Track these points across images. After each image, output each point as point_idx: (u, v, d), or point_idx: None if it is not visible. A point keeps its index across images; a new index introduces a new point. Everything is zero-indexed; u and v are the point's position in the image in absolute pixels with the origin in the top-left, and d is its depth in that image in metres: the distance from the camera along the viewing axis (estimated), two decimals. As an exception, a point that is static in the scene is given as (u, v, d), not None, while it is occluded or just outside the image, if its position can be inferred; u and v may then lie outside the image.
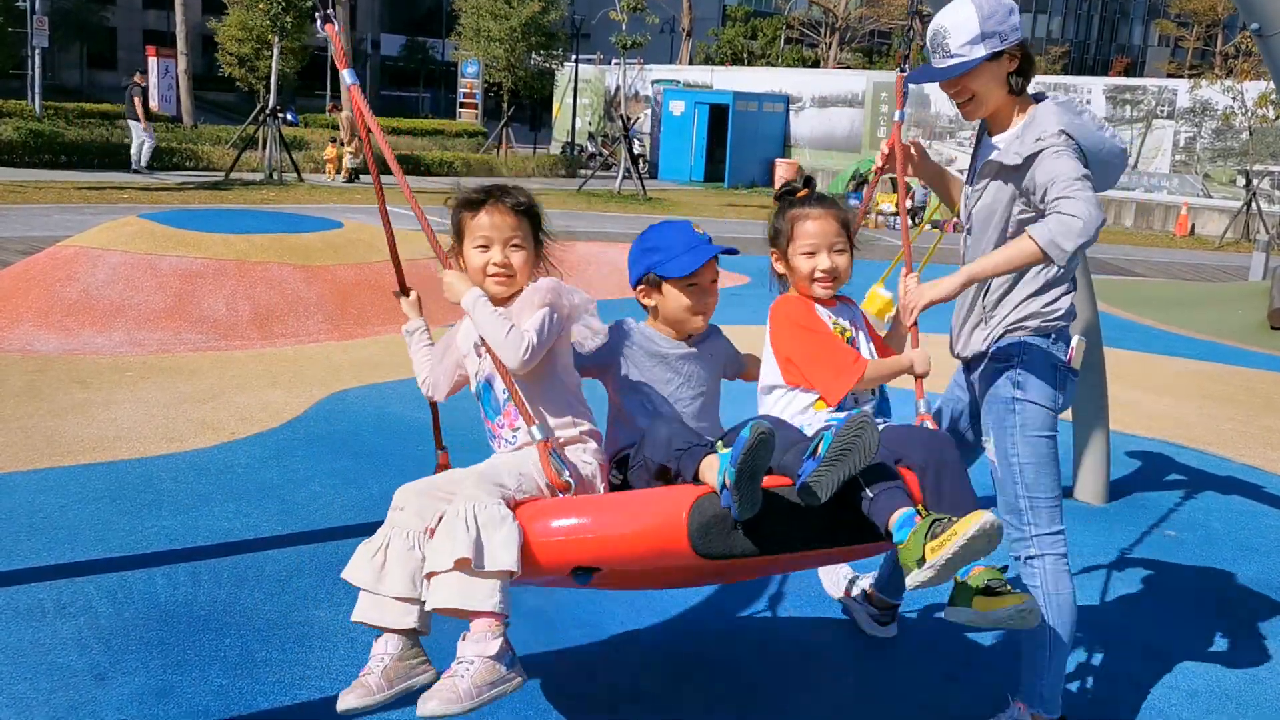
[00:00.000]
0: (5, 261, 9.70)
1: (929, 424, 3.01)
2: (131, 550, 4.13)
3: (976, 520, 2.38)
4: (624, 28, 25.69)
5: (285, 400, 6.21)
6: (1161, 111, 24.05)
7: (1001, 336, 3.05)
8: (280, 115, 21.25)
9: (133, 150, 20.80)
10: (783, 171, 29.69)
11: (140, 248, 8.29)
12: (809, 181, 3.07)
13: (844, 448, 2.40)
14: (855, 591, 3.80)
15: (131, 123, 20.90)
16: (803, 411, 2.92)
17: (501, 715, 3.12)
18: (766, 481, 2.41)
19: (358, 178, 21.82)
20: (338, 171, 22.18)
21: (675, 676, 3.48)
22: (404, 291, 3.02)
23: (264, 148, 20.91)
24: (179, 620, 3.59)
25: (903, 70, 3.35)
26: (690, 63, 42.47)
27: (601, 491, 2.72)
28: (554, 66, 31.58)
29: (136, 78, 22.10)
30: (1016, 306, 3.03)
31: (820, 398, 2.90)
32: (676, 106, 30.07)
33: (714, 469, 2.46)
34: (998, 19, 2.91)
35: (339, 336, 7.92)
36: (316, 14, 2.90)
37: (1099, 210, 2.70)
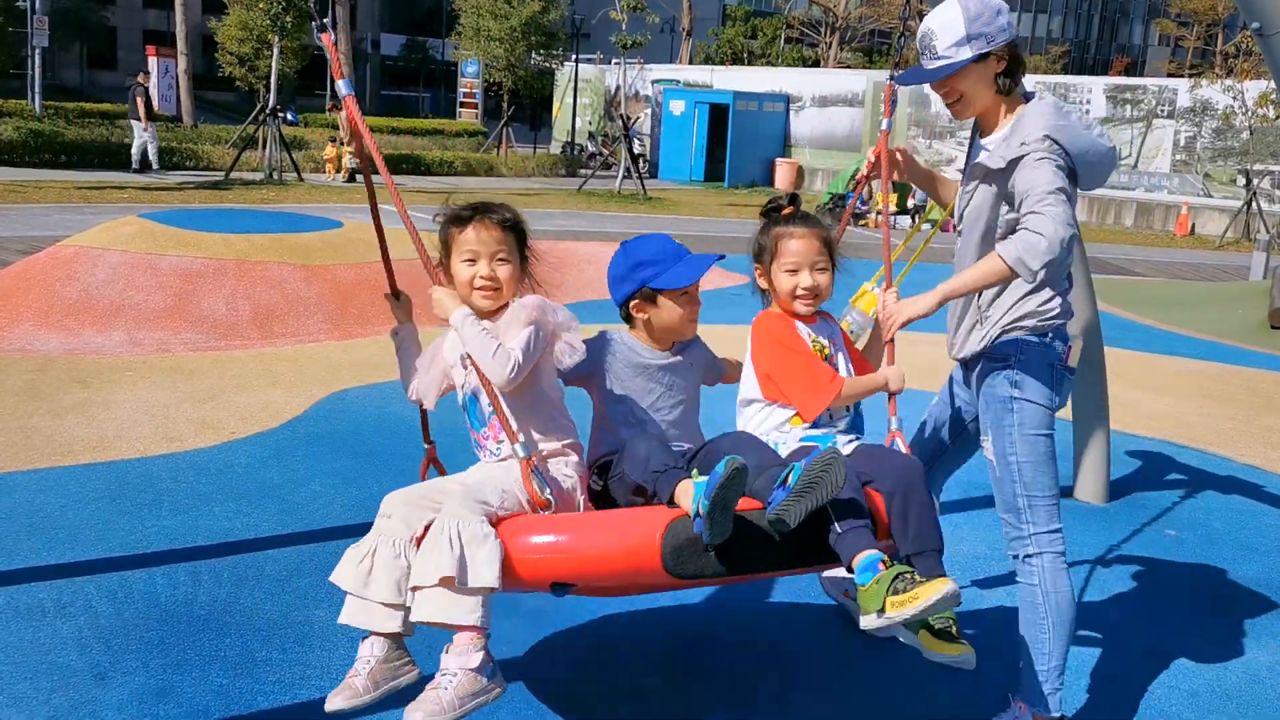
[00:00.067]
0: (5, 261, 9.70)
1: (900, 442, 3.05)
2: (131, 550, 4.13)
3: (940, 589, 2.48)
4: (624, 27, 25.70)
5: (285, 400, 6.21)
6: (1162, 111, 24.05)
7: (998, 337, 3.06)
8: (280, 115, 21.26)
9: (133, 150, 20.82)
10: (783, 171, 29.73)
11: (140, 247, 8.29)
12: (794, 199, 3.13)
13: (812, 481, 2.48)
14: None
15: (133, 123, 20.92)
16: (779, 426, 3.01)
17: (501, 715, 3.12)
18: (738, 505, 2.52)
19: (357, 177, 21.84)
20: (337, 171, 22.19)
21: (675, 676, 3.48)
22: (395, 295, 3.06)
23: (264, 147, 20.92)
24: (179, 620, 3.59)
25: (893, 78, 3.39)
26: (690, 62, 42.48)
27: (581, 503, 2.81)
28: (554, 66, 31.58)
29: (139, 78, 22.13)
30: (1012, 307, 3.04)
31: (797, 413, 2.99)
32: (676, 106, 30.07)
33: (688, 495, 2.54)
34: (984, 21, 2.93)
35: (339, 336, 7.92)
36: (314, 23, 2.93)
37: (1067, 227, 2.73)
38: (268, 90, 21.72)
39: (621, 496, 2.85)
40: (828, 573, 3.88)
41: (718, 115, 29.19)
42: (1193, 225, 23.14)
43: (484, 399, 2.78)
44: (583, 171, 27.79)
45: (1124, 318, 11.07)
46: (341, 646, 3.42)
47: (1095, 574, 4.47)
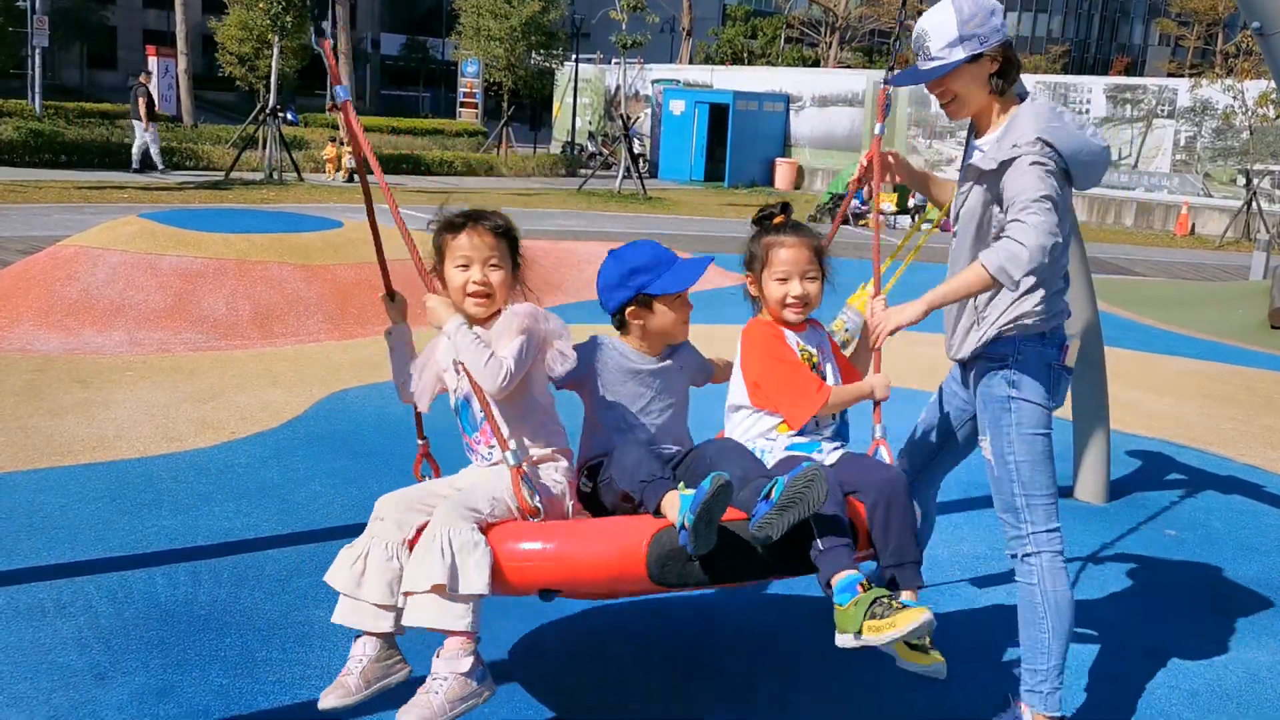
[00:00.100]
0: (5, 261, 9.71)
1: (884, 449, 3.10)
2: (131, 550, 4.13)
3: (916, 618, 2.56)
4: (624, 27, 25.69)
5: (285, 400, 6.21)
6: (1162, 111, 24.05)
7: (995, 337, 3.08)
8: (280, 115, 21.26)
9: (134, 150, 20.82)
10: (783, 171, 29.73)
11: (140, 247, 8.29)
12: (785, 208, 3.17)
13: (795, 496, 2.54)
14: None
15: (134, 123, 20.93)
16: (766, 433, 3.07)
17: (501, 714, 3.12)
18: (723, 516, 2.59)
19: (356, 177, 21.83)
20: (337, 170, 22.19)
21: (675, 676, 3.48)
22: (390, 295, 3.11)
23: (264, 147, 20.92)
24: (179, 620, 3.59)
25: (886, 83, 3.43)
26: (690, 62, 42.48)
27: (570, 508, 2.88)
28: (554, 66, 31.58)
29: (141, 78, 22.13)
30: (1008, 307, 3.05)
31: (784, 421, 3.05)
32: (676, 106, 30.07)
33: (674, 507, 2.61)
34: (977, 22, 2.96)
35: (339, 336, 7.93)
36: (312, 31, 2.97)
37: (1050, 235, 2.75)
38: (268, 90, 21.72)
39: (610, 500, 2.91)
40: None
41: (718, 115, 29.19)
42: (1193, 225, 23.13)
43: (476, 404, 2.83)
44: (583, 171, 27.79)
45: (1124, 318, 11.07)
46: (341, 646, 3.41)
47: (1095, 574, 4.47)
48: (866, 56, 49.35)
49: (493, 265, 2.87)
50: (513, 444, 2.78)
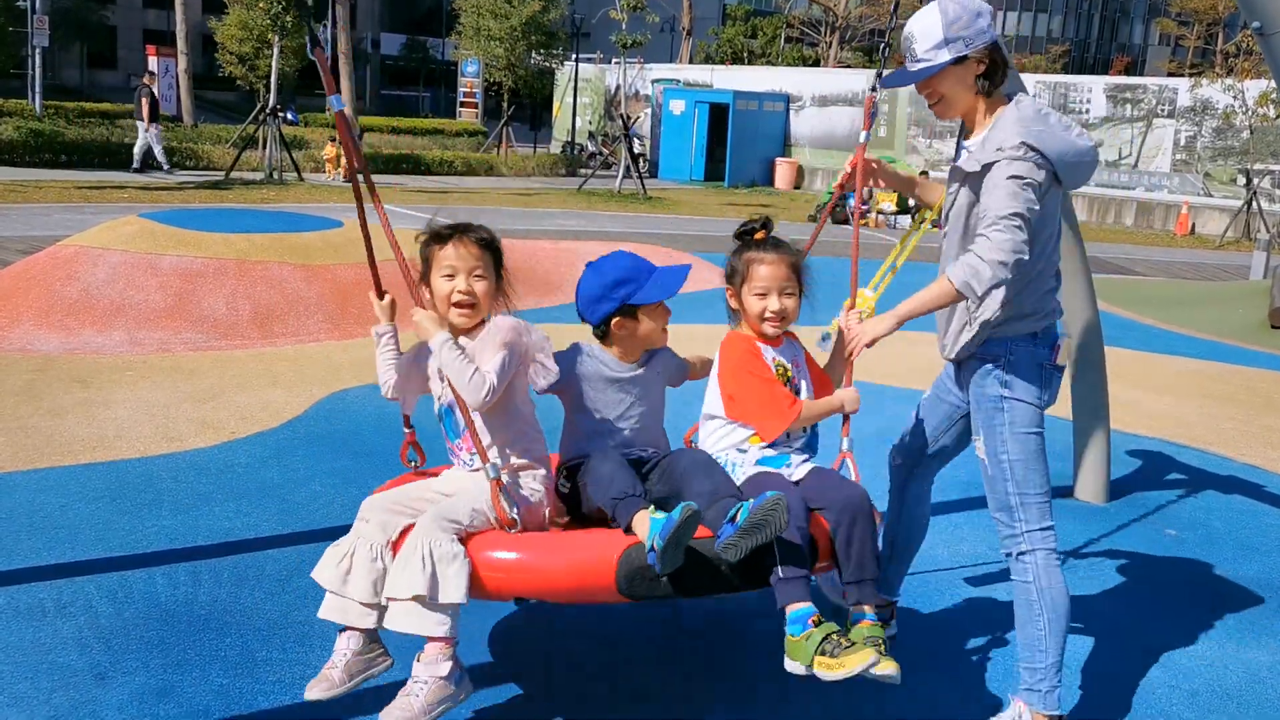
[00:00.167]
0: (5, 261, 9.71)
1: (850, 462, 3.19)
2: (132, 550, 4.13)
3: (864, 660, 2.70)
4: (624, 27, 25.68)
5: (285, 400, 6.21)
6: (1162, 110, 24.05)
7: (987, 338, 3.12)
8: (280, 114, 21.25)
9: (135, 150, 20.82)
10: (783, 171, 29.72)
11: (140, 247, 8.29)
12: (766, 224, 3.26)
13: (757, 523, 2.66)
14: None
15: (137, 123, 20.94)
16: (739, 444, 3.16)
17: (501, 714, 3.12)
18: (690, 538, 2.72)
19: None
20: (337, 169, 22.18)
21: (675, 676, 3.48)
22: (379, 295, 3.18)
23: (264, 147, 20.91)
24: (179, 620, 3.59)
25: (874, 90, 3.50)
26: (690, 62, 42.47)
27: (547, 515, 3.02)
28: (554, 66, 31.58)
29: (145, 78, 22.13)
30: (1000, 308, 3.08)
31: (756, 433, 3.15)
32: (676, 106, 30.06)
33: (644, 527, 2.73)
34: (961, 25, 3.01)
35: (339, 336, 7.93)
36: (307, 39, 3.05)
37: (1012, 254, 2.84)
38: (268, 90, 21.72)
39: (587, 505, 3.03)
40: (826, 576, 3.89)
41: (718, 115, 29.19)
42: (1193, 225, 23.13)
43: (459, 412, 2.94)
44: (583, 171, 27.79)
45: (1124, 317, 11.07)
46: (341, 646, 3.42)
47: (1096, 573, 4.47)
48: (866, 56, 49.31)
49: (477, 276, 2.98)
50: (493, 454, 2.91)
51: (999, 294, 3.03)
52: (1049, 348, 3.12)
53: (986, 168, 2.96)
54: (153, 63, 31.92)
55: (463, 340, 2.93)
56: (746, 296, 3.18)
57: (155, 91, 21.71)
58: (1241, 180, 22.07)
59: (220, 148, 22.91)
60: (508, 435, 2.97)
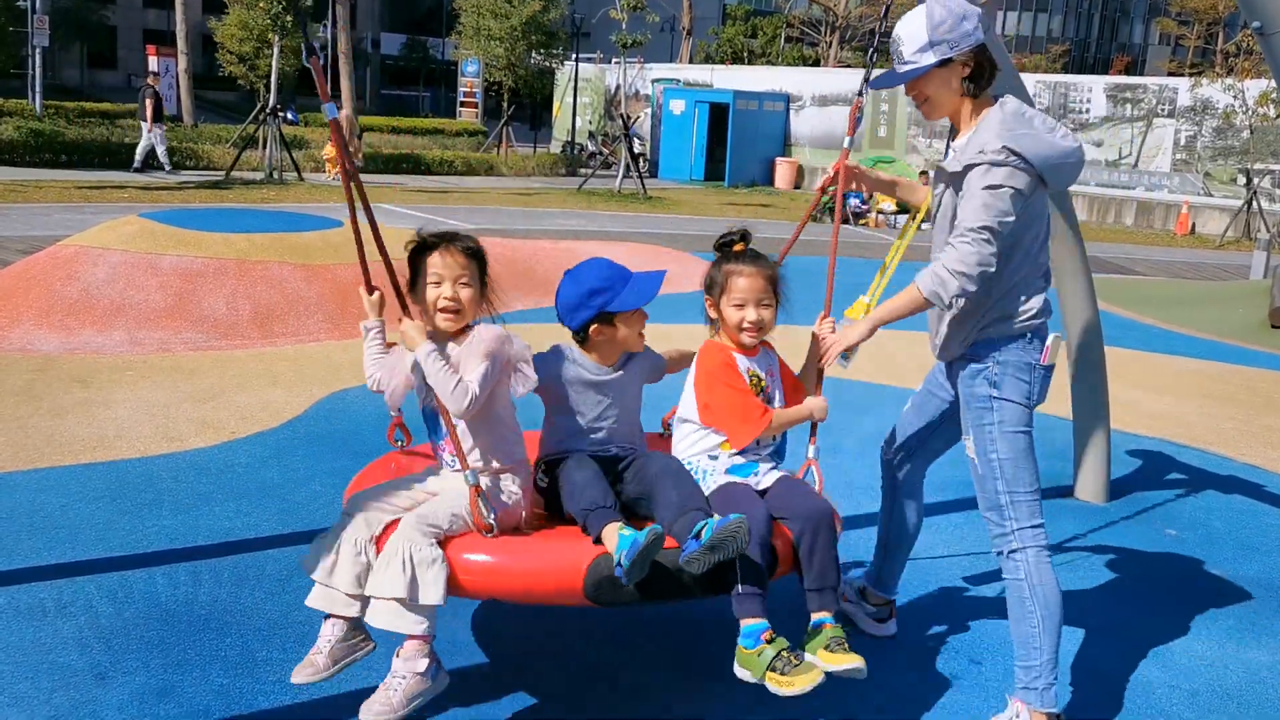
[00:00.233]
0: (5, 261, 9.71)
1: (815, 470, 3.31)
2: (132, 550, 4.13)
3: (812, 680, 2.84)
4: (624, 26, 25.68)
5: (286, 399, 6.21)
6: (1162, 110, 24.05)
7: (976, 338, 3.16)
8: (281, 114, 21.25)
9: (138, 149, 20.82)
10: (783, 170, 29.73)
11: (140, 247, 8.29)
12: (745, 236, 3.35)
13: (720, 540, 2.77)
14: (850, 592, 3.83)
15: (141, 123, 20.95)
16: (710, 450, 3.27)
17: (501, 714, 3.12)
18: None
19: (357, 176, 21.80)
20: (337, 169, 22.19)
21: (675, 675, 3.48)
22: (369, 290, 3.30)
23: (264, 147, 20.91)
24: (179, 620, 3.59)
25: (860, 95, 3.58)
26: (690, 61, 42.46)
27: (524, 517, 3.12)
28: (554, 65, 31.57)
29: (150, 79, 22.13)
30: (990, 308, 3.11)
31: (727, 440, 3.26)
32: (677, 105, 30.06)
33: (613, 540, 2.82)
34: (947, 28, 3.06)
35: (339, 336, 7.93)
36: (304, 45, 3.10)
37: (978, 266, 2.93)
38: (268, 89, 21.72)
39: (564, 500, 3.12)
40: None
41: (718, 114, 29.19)
42: (1193, 224, 23.13)
43: (442, 416, 3.04)
44: (583, 171, 27.79)
45: (1124, 317, 11.07)
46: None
47: (1096, 573, 4.47)
48: (866, 56, 49.33)
49: (463, 283, 3.08)
50: (473, 457, 3.04)
51: (972, 299, 3.07)
52: (1038, 348, 3.15)
53: (966, 169, 3.01)
54: (154, 63, 31.93)
55: (448, 345, 3.05)
56: (725, 307, 3.27)
57: (159, 92, 21.70)
58: (1241, 180, 22.07)
59: (220, 147, 22.91)
60: (489, 440, 3.09)
